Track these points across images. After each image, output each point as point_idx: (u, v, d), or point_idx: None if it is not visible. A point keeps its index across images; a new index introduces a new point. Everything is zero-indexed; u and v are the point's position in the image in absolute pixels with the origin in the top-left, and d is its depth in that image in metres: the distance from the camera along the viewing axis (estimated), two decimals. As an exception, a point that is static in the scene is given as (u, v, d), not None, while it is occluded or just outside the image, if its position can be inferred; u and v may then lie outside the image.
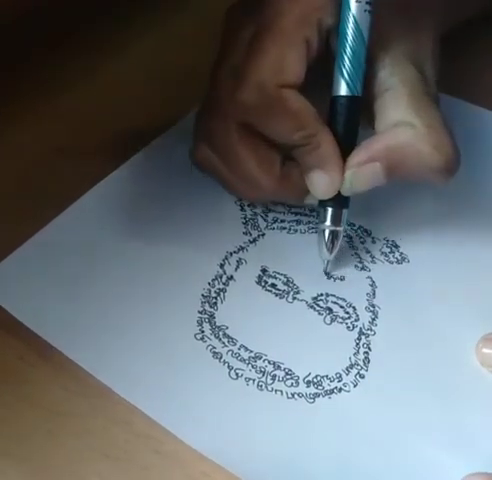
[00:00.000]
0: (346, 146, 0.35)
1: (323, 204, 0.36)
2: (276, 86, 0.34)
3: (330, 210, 0.36)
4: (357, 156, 0.35)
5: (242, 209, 0.40)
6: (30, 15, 0.43)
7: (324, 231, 0.36)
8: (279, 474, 0.31)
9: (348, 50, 0.35)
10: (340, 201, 0.36)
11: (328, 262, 0.37)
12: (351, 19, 0.34)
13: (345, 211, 0.36)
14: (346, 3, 0.35)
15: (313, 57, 0.35)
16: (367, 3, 0.34)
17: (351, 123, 0.36)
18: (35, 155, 0.39)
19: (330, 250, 0.37)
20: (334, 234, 0.36)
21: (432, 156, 0.34)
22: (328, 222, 0.36)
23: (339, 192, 0.35)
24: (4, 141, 0.39)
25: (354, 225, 0.40)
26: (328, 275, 0.37)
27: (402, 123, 0.34)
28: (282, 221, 0.39)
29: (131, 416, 0.32)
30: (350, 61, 0.35)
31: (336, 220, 0.36)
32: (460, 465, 0.31)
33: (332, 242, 0.36)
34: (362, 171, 0.35)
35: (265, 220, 0.39)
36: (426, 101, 0.35)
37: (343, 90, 0.35)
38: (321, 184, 0.36)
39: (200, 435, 0.31)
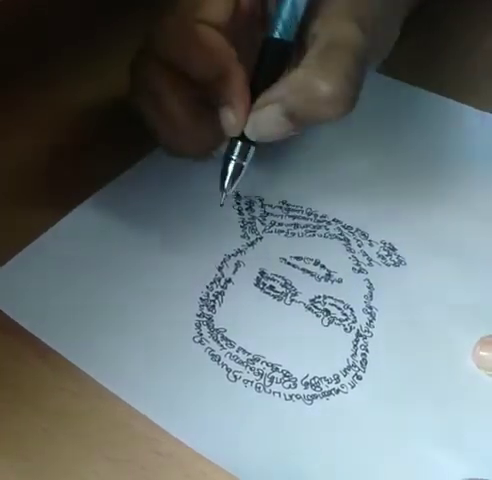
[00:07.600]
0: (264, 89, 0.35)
1: (234, 138, 0.37)
2: (194, 20, 0.35)
3: (239, 144, 0.36)
4: (260, 98, 0.35)
5: (240, 213, 0.40)
6: (30, 16, 0.43)
7: (228, 163, 0.37)
8: (277, 475, 0.31)
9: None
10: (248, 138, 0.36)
11: (225, 195, 0.37)
12: None
13: (252, 148, 0.37)
14: None
15: (244, 7, 0.36)
16: None
17: (275, 67, 0.36)
18: (35, 155, 0.39)
19: (231, 183, 0.37)
20: (237, 168, 0.37)
21: (321, 87, 0.33)
22: (234, 155, 0.36)
23: None
24: (3, 141, 0.39)
25: (351, 228, 0.40)
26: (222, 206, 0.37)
27: (306, 65, 0.34)
28: (280, 224, 0.40)
29: (130, 417, 0.32)
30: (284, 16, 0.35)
31: (242, 154, 0.36)
32: (458, 466, 0.31)
33: (234, 176, 0.37)
34: (263, 113, 0.35)
35: (263, 224, 0.40)
36: (343, 53, 0.34)
37: (274, 33, 0.35)
38: (228, 120, 0.36)
39: (199, 437, 0.31)
